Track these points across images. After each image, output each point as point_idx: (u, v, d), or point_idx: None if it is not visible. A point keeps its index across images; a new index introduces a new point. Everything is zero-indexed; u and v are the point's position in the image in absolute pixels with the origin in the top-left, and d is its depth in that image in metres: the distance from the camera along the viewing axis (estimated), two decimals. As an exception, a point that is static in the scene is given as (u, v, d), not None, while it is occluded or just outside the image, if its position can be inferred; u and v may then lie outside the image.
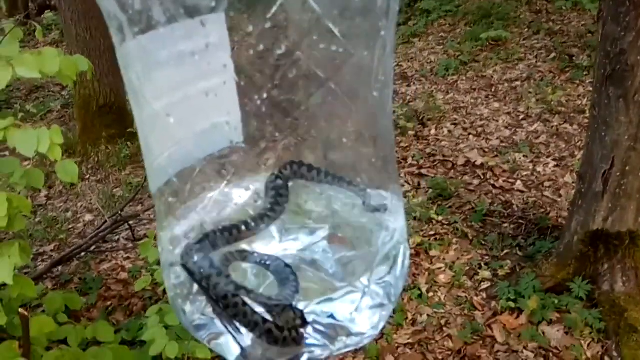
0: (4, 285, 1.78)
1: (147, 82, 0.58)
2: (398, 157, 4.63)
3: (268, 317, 0.57)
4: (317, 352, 0.59)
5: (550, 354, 2.84)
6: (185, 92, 0.58)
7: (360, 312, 0.61)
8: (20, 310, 1.91)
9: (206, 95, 0.58)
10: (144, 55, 0.56)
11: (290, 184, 0.66)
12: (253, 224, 0.62)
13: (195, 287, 0.59)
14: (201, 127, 0.61)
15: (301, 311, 0.59)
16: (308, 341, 0.59)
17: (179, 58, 0.55)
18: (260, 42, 0.55)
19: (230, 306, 0.56)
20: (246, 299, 0.57)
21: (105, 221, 3.94)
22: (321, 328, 0.60)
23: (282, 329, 0.57)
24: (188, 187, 0.62)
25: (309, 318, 0.59)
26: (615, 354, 2.79)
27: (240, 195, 0.65)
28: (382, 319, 0.63)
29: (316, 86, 0.58)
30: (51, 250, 4.12)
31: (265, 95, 0.57)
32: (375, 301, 0.62)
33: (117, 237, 4.15)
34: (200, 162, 0.61)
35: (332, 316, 0.60)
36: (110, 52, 5.03)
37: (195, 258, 0.58)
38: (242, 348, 0.59)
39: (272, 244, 0.63)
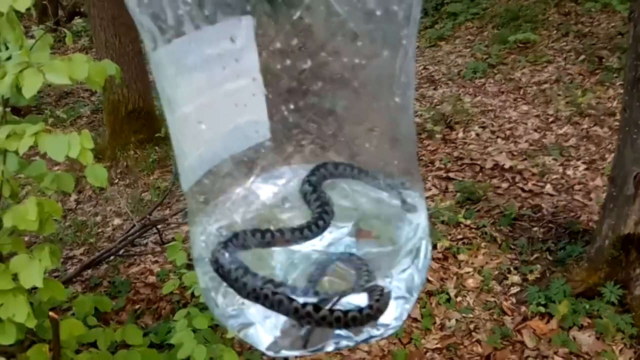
0: (35, 288, 1.80)
1: (177, 86, 0.60)
2: (425, 160, 4.61)
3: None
4: (343, 342, 0.61)
5: (581, 360, 2.81)
6: (213, 94, 0.60)
7: None
8: (51, 313, 1.93)
9: (227, 93, 0.60)
10: (175, 61, 0.58)
11: (322, 185, 0.68)
12: (289, 234, 0.64)
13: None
14: (229, 127, 0.63)
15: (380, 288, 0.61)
16: (336, 332, 0.61)
17: (207, 61, 0.57)
18: (287, 47, 0.56)
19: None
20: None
21: (134, 225, 3.97)
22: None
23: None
24: (217, 185, 0.65)
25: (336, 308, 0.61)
26: (648, 360, 2.75)
27: (266, 191, 0.68)
28: (405, 310, 0.65)
29: (341, 91, 0.60)
30: (81, 254, 4.16)
31: (291, 98, 0.60)
32: (398, 294, 0.64)
33: (145, 241, 4.18)
34: (228, 161, 0.64)
35: (357, 308, 0.61)
36: (139, 58, 5.07)
37: (228, 261, 0.61)
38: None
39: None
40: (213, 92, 0.59)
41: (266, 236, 0.63)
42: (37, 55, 1.54)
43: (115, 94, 5.24)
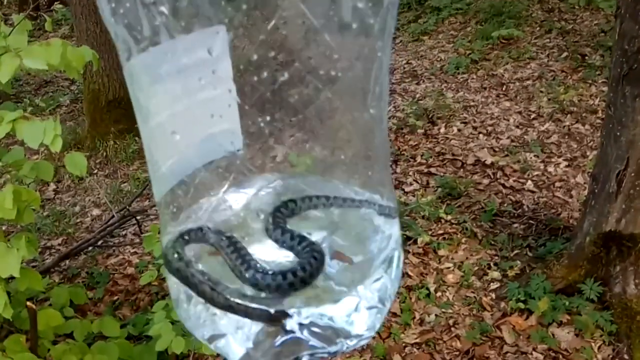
0: (12, 278, 1.77)
1: (152, 96, 0.59)
2: (407, 155, 4.61)
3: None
4: (317, 354, 0.60)
5: (560, 356, 2.82)
6: (188, 103, 0.59)
7: (358, 313, 0.63)
8: (28, 303, 1.91)
9: (202, 103, 0.59)
10: (149, 70, 0.57)
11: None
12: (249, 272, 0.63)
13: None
14: (202, 136, 0.63)
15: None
16: (309, 343, 0.60)
17: (182, 70, 0.57)
18: (259, 57, 0.56)
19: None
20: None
21: (113, 216, 3.94)
22: (320, 331, 0.60)
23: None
24: (189, 195, 0.65)
25: (307, 321, 0.60)
26: (626, 357, 2.77)
27: (237, 200, 0.67)
28: (378, 320, 0.64)
29: (316, 103, 0.59)
30: (59, 244, 4.12)
31: (264, 109, 0.59)
32: (372, 304, 0.64)
33: (124, 232, 4.15)
34: (200, 170, 0.63)
35: (330, 319, 0.61)
36: (120, 47, 5.02)
37: (176, 258, 0.62)
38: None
39: (269, 249, 0.64)
40: (188, 101, 0.59)
41: (227, 241, 0.62)
42: (15, 39, 1.50)
43: (95, 82, 5.19)
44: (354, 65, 0.59)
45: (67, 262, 3.76)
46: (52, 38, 1.54)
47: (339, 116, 0.63)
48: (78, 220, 4.45)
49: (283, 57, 0.56)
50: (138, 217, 3.91)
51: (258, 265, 0.60)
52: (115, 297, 3.44)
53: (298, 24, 0.54)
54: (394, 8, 0.57)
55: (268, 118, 0.59)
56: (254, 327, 0.60)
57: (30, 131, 1.52)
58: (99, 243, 3.93)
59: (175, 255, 0.63)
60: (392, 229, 0.68)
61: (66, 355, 2.02)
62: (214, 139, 0.62)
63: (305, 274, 0.60)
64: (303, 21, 0.53)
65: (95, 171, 5.07)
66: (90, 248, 3.87)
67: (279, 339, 0.59)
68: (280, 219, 0.66)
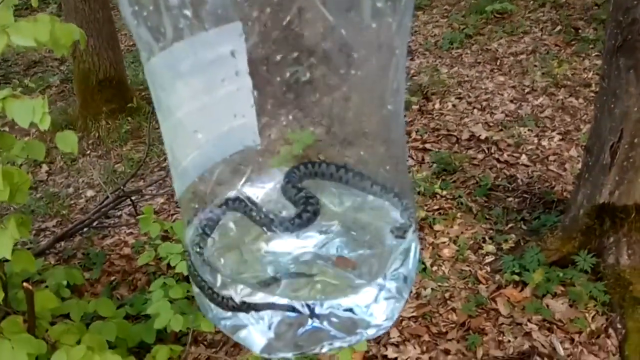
0: (6, 260, 1.76)
1: (173, 92, 0.60)
2: (401, 131, 4.59)
3: None
4: (337, 344, 0.62)
5: (555, 327, 2.84)
6: (205, 99, 0.60)
7: (377, 303, 0.64)
8: (25, 284, 1.90)
9: (224, 102, 0.60)
10: (170, 67, 0.57)
11: (303, 183, 0.69)
12: (276, 223, 0.66)
13: (219, 283, 0.64)
14: (220, 131, 0.63)
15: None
16: (330, 333, 0.62)
17: (204, 67, 0.57)
18: (276, 51, 0.56)
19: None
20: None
21: (107, 197, 3.93)
22: (340, 321, 0.62)
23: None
24: (209, 189, 0.66)
25: (327, 311, 0.62)
26: (619, 326, 2.79)
27: (256, 194, 0.69)
28: (396, 309, 0.66)
29: (335, 101, 0.61)
30: (53, 226, 4.11)
31: (282, 105, 0.60)
32: (390, 294, 0.65)
33: (119, 213, 4.15)
34: (219, 164, 0.65)
35: (350, 310, 0.63)
36: (110, 25, 4.98)
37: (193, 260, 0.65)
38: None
39: (288, 240, 0.66)
40: (210, 98, 0.59)
41: (248, 206, 0.65)
42: (1, 16, 1.47)
43: (85, 62, 5.13)
44: (372, 62, 0.59)
45: (63, 243, 3.76)
46: (39, 14, 1.51)
47: (357, 113, 0.64)
48: (72, 202, 4.45)
49: (300, 55, 0.56)
50: (133, 198, 3.90)
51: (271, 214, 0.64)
52: (113, 278, 3.44)
53: (315, 22, 0.54)
54: (411, 6, 0.57)
55: (285, 116, 0.61)
56: (274, 318, 0.61)
57: (20, 110, 1.50)
58: (94, 224, 3.92)
59: (198, 250, 0.65)
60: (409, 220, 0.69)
61: (64, 335, 2.02)
62: (234, 134, 0.62)
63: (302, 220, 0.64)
64: (320, 19, 0.53)
65: (88, 152, 5.05)
66: (85, 229, 3.87)
67: (301, 330, 0.61)
68: (294, 176, 0.68)
